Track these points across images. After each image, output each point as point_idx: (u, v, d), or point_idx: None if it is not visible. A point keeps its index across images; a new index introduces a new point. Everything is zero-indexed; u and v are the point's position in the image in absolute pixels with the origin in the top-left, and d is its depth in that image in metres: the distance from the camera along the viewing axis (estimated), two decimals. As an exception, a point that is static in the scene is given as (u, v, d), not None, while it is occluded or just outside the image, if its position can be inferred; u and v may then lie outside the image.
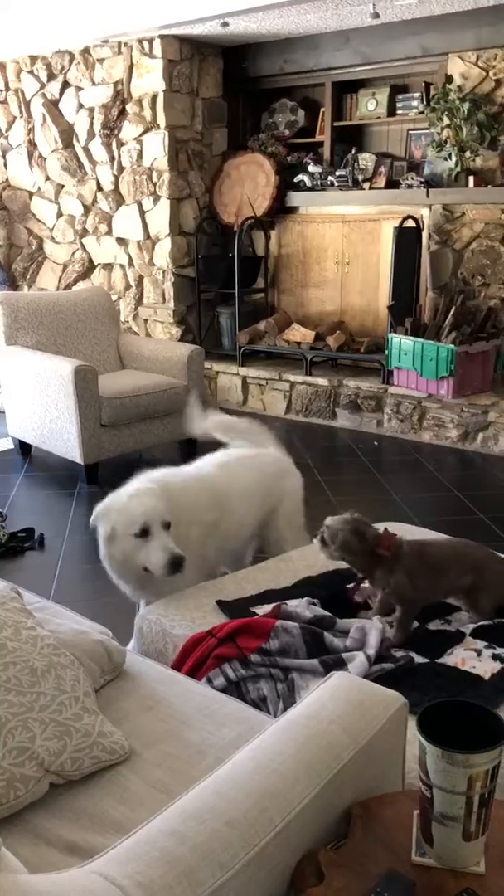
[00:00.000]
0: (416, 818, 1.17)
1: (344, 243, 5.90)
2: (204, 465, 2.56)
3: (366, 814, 1.21)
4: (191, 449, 4.66)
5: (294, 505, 2.73)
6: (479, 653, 1.84)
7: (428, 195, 5.23)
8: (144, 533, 2.12)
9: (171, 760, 1.46)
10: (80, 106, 6.21)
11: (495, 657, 1.81)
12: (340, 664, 1.70)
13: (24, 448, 4.87)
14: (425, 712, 1.13)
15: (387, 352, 5.29)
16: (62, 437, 4.37)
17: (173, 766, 1.44)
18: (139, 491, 2.21)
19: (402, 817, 1.22)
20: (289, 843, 1.10)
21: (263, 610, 1.99)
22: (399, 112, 5.61)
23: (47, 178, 6.60)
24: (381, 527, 2.05)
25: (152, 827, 1.05)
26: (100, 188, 6.30)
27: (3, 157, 6.84)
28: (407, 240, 5.32)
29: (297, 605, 1.93)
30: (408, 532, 2.37)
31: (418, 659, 1.82)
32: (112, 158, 6.15)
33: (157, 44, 5.63)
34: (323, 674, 1.64)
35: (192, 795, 1.11)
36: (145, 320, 6.36)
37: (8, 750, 1.32)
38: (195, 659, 1.81)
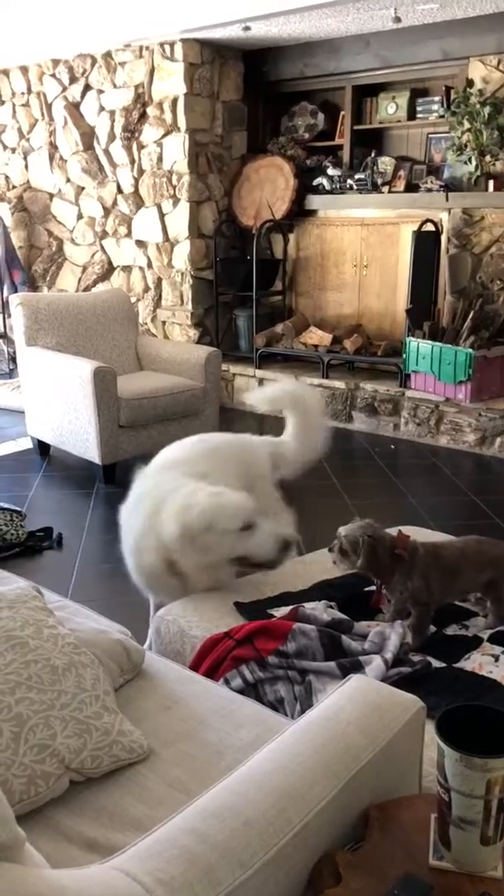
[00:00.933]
0: (434, 821, 1.18)
1: (362, 246, 5.90)
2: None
3: (383, 816, 1.22)
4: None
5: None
6: (496, 658, 1.84)
7: (447, 199, 5.22)
8: (248, 526, 2.11)
9: (189, 760, 1.47)
10: (102, 109, 6.25)
11: (512, 662, 1.81)
12: (358, 667, 1.70)
13: (42, 448, 4.90)
14: (444, 716, 1.14)
15: (404, 355, 5.29)
16: (81, 438, 4.40)
17: (192, 765, 1.46)
18: (215, 490, 2.19)
19: (419, 820, 1.23)
20: (307, 844, 1.11)
21: (281, 612, 2.00)
22: (419, 116, 5.61)
23: (68, 180, 6.64)
24: (394, 530, 2.06)
25: (173, 825, 1.06)
26: (120, 190, 6.34)
27: (25, 158, 6.90)
28: (426, 243, 5.31)
29: (315, 608, 1.94)
30: (422, 536, 2.38)
31: (435, 663, 1.83)
32: (132, 161, 6.19)
33: (178, 47, 5.66)
34: (340, 677, 1.65)
35: (211, 795, 1.12)
36: (163, 322, 6.39)
37: (29, 747, 1.34)
38: (213, 660, 1.82)
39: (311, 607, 1.93)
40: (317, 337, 5.85)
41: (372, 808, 1.23)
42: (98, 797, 1.38)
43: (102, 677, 1.54)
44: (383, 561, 1.94)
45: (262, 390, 3.15)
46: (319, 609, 1.93)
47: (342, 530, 1.98)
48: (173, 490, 2.20)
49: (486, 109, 4.93)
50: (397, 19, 4.74)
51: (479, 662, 1.83)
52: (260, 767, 1.17)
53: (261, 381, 6.02)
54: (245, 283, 6.02)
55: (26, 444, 5.05)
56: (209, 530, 2.08)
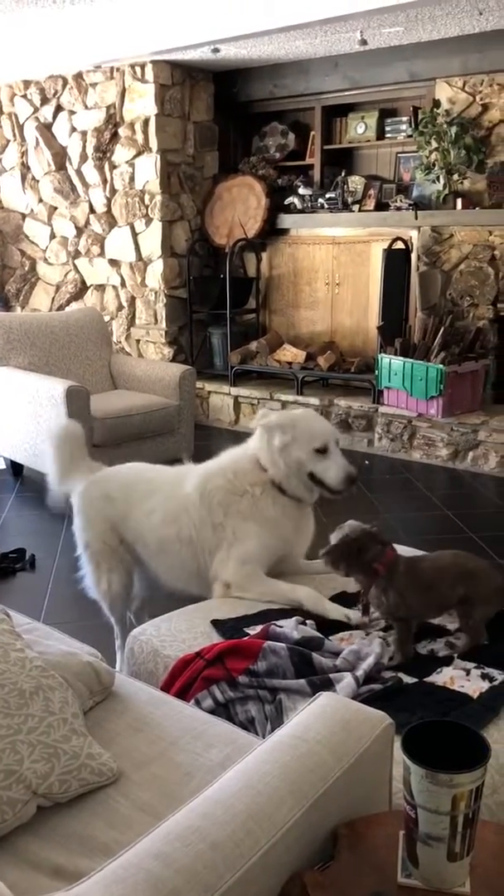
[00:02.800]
0: (402, 838, 1.18)
1: (334, 264, 5.95)
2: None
3: (352, 834, 1.22)
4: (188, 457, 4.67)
5: None
6: (467, 672, 1.85)
7: (416, 217, 5.29)
8: (324, 449, 2.24)
9: (159, 782, 1.46)
10: (73, 129, 6.28)
11: (484, 676, 1.82)
12: (328, 685, 1.70)
13: (15, 468, 4.87)
14: (409, 732, 1.14)
15: (377, 372, 5.33)
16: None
17: (161, 788, 1.45)
18: (313, 412, 2.37)
19: (388, 838, 1.22)
20: (274, 865, 1.10)
21: (257, 630, 1.99)
22: (388, 135, 5.69)
23: (40, 200, 6.65)
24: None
25: (138, 849, 1.05)
26: (92, 210, 6.36)
27: (-3, 179, 6.90)
28: (396, 261, 5.37)
29: (286, 626, 1.94)
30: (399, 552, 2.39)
31: (407, 679, 1.83)
32: (104, 181, 6.21)
33: (148, 69, 5.71)
34: (310, 694, 1.65)
35: (178, 817, 1.11)
36: (137, 341, 6.39)
37: (-5, 773, 1.33)
38: (184, 680, 1.81)
39: (281, 625, 1.93)
40: (291, 354, 5.88)
41: (341, 826, 1.23)
42: (66, 822, 1.37)
43: (71, 700, 1.53)
44: (361, 570, 1.95)
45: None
46: (290, 626, 1.93)
47: (344, 527, 2.00)
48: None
49: (453, 129, 5.01)
50: (363, 42, 4.81)
51: (450, 676, 1.83)
52: (227, 788, 1.16)
53: (236, 399, 6.04)
54: (219, 302, 6.05)
55: (-1, 464, 5.02)
56: (291, 428, 2.25)
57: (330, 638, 1.96)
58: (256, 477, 2.31)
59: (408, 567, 1.95)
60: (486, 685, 1.78)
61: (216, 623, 2.08)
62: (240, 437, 5.71)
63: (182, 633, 2.07)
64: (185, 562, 2.36)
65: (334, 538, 1.98)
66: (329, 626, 2.05)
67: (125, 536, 2.48)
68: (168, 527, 2.36)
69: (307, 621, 2.03)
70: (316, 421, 2.32)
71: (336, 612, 2.10)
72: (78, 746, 1.45)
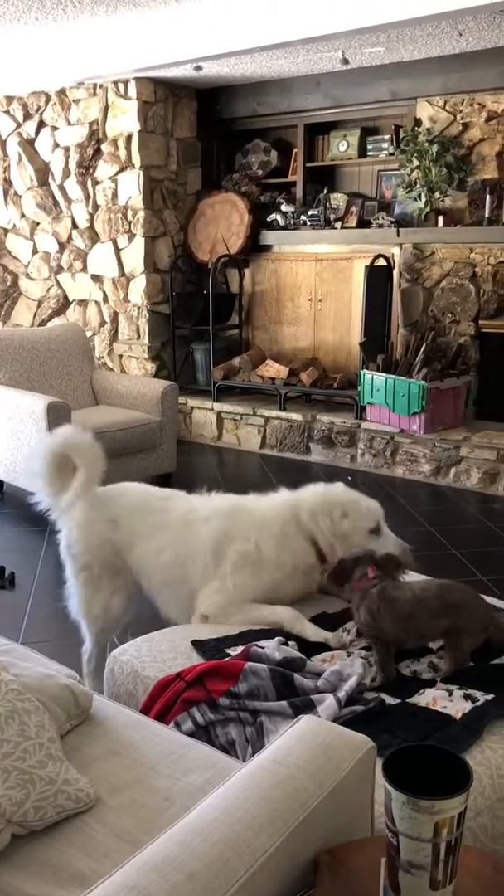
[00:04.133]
0: (384, 866, 1.15)
1: (317, 281, 5.97)
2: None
3: (333, 862, 1.20)
4: (165, 485, 4.64)
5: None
6: (450, 693, 1.83)
7: (398, 234, 5.32)
8: (377, 530, 2.28)
9: (137, 808, 1.43)
10: (56, 145, 6.28)
11: (467, 697, 1.80)
12: (310, 707, 1.68)
13: (-5, 485, 4.82)
14: (391, 757, 1.12)
15: (359, 388, 5.34)
16: (34, 474, 4.34)
17: (139, 814, 1.42)
18: (359, 493, 2.38)
19: (370, 865, 1.20)
20: (254, 895, 1.07)
21: (238, 650, 1.97)
22: (370, 153, 5.74)
23: (23, 216, 6.63)
24: None
25: (113, 881, 1.03)
26: (75, 226, 6.35)
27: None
28: (378, 278, 5.40)
29: (268, 647, 1.91)
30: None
31: (389, 700, 1.81)
32: (87, 197, 6.21)
33: (132, 86, 5.73)
34: (292, 716, 1.63)
35: (154, 847, 1.09)
36: (120, 356, 6.38)
37: (-32, 801, 1.29)
38: (163, 702, 1.79)
39: (263, 645, 1.91)
40: (273, 370, 5.88)
41: (322, 853, 1.20)
42: (41, 851, 1.34)
43: (48, 724, 1.50)
44: (346, 589, 2.03)
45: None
46: (272, 647, 1.91)
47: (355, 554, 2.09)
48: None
49: (434, 147, 5.06)
50: (345, 61, 4.85)
51: (433, 697, 1.82)
52: (205, 816, 1.14)
53: (219, 415, 6.02)
54: (201, 317, 6.05)
55: (-21, 480, 4.96)
56: (346, 516, 2.27)
57: (312, 658, 1.94)
58: (301, 558, 2.28)
59: (382, 594, 1.94)
60: (468, 706, 1.76)
61: (197, 644, 2.05)
62: (222, 452, 5.65)
63: (163, 653, 2.05)
64: (185, 601, 2.33)
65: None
66: (311, 647, 2.03)
67: (127, 563, 2.43)
68: (176, 569, 2.32)
69: (289, 642, 2.01)
70: (366, 500, 2.34)
71: (315, 633, 2.09)
72: (54, 772, 1.42)
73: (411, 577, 2.35)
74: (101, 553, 2.44)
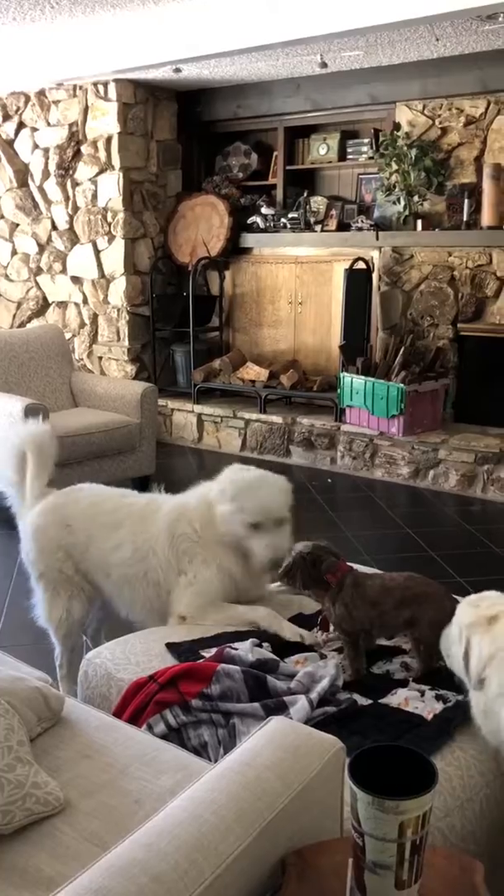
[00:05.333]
0: (350, 867, 1.16)
1: (297, 284, 5.99)
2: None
3: (301, 863, 1.20)
4: (144, 487, 4.63)
5: None
6: (422, 693, 1.84)
7: (378, 238, 5.35)
8: (258, 525, 2.20)
9: (107, 811, 1.43)
10: (36, 146, 6.25)
11: (438, 697, 1.81)
12: (282, 708, 1.68)
13: (-27, 487, 4.78)
14: (357, 758, 1.12)
15: (339, 390, 5.36)
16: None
17: (110, 817, 1.41)
18: (273, 481, 2.33)
19: (338, 865, 1.21)
20: (220, 897, 1.07)
21: (212, 652, 1.97)
22: (349, 157, 5.76)
23: (2, 217, 6.60)
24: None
25: (79, 884, 1.02)
26: (55, 227, 6.33)
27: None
28: (358, 281, 5.42)
29: (241, 648, 1.91)
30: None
31: (362, 700, 1.82)
32: (67, 198, 6.19)
33: (111, 87, 5.72)
34: (264, 717, 1.62)
35: (121, 849, 1.09)
36: (100, 358, 6.36)
37: None
38: (136, 705, 1.78)
39: (236, 647, 1.91)
40: (254, 372, 5.89)
41: (289, 854, 1.21)
42: (9, 855, 1.33)
43: (17, 727, 1.49)
44: (314, 583, 1.98)
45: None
46: (245, 649, 1.91)
47: (296, 546, 2.02)
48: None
49: (413, 152, 5.08)
50: (323, 64, 4.87)
51: (405, 697, 1.82)
52: (172, 817, 1.14)
53: (199, 417, 6.02)
54: (182, 319, 6.04)
55: (-43, 483, 4.92)
56: (237, 497, 2.22)
57: (285, 660, 1.95)
58: (217, 532, 2.26)
59: (356, 581, 1.96)
60: (440, 706, 1.77)
61: (171, 646, 2.05)
62: (202, 455, 5.63)
63: (137, 656, 2.04)
64: (149, 599, 2.31)
65: (287, 558, 2.00)
66: (285, 648, 2.03)
67: (82, 566, 2.41)
68: (136, 565, 2.30)
69: (263, 644, 2.01)
70: (264, 493, 2.27)
71: (291, 631, 2.09)
72: (23, 775, 1.41)
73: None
74: (55, 558, 2.41)
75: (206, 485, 2.40)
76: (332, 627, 2.04)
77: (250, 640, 2.00)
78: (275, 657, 1.91)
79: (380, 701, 1.81)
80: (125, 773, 1.52)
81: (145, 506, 2.38)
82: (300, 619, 2.20)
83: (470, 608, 1.65)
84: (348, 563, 2.04)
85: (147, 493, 2.51)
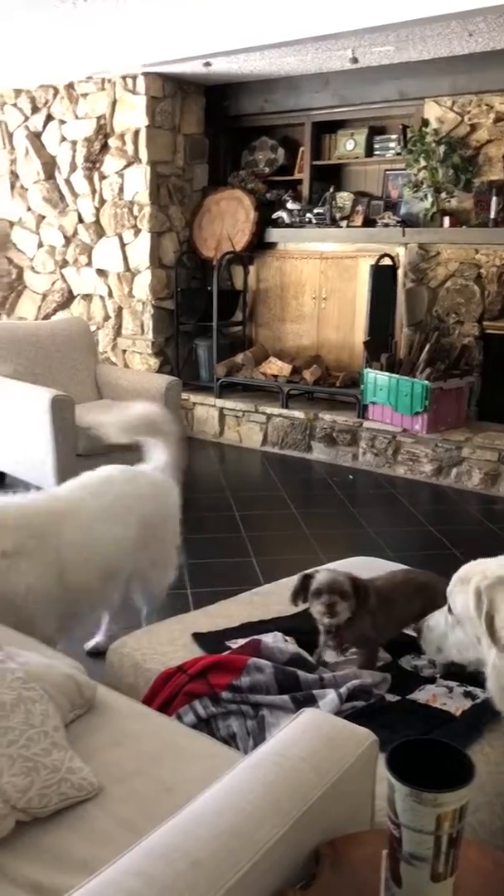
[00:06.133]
0: (385, 858, 1.17)
1: (321, 279, 5.98)
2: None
3: (334, 853, 1.21)
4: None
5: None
6: (450, 689, 1.84)
7: (404, 234, 5.33)
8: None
9: (139, 797, 1.44)
10: (63, 139, 6.28)
11: (467, 694, 1.82)
12: (311, 701, 1.69)
13: (-2, 477, 4.83)
14: (394, 750, 1.13)
15: (362, 386, 5.35)
16: (37, 466, 4.35)
17: (141, 803, 1.43)
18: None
19: (371, 857, 1.21)
20: (256, 884, 1.09)
21: (238, 643, 1.98)
22: (377, 153, 5.74)
23: (29, 209, 6.64)
24: (351, 560, 2.08)
25: (118, 866, 1.04)
26: (81, 220, 6.35)
27: (-15, 186, 6.88)
28: (383, 277, 5.41)
29: (276, 643, 1.91)
30: (379, 566, 2.39)
31: (390, 697, 1.82)
32: (94, 191, 6.21)
33: (140, 81, 5.73)
34: (293, 710, 1.64)
35: (159, 834, 1.10)
36: (124, 351, 6.38)
37: (-27, 787, 1.31)
38: (166, 695, 1.80)
39: (272, 642, 1.91)
40: (276, 367, 5.89)
41: (323, 845, 1.22)
42: (45, 838, 1.35)
43: (52, 713, 1.51)
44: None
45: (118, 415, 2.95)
46: (280, 643, 1.91)
47: (323, 580, 1.90)
48: None
49: (441, 148, 5.06)
50: (354, 60, 4.86)
51: (433, 693, 1.83)
52: (209, 805, 1.15)
53: (221, 411, 6.03)
54: (205, 314, 6.05)
55: (-18, 472, 4.97)
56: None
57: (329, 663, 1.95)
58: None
59: (372, 588, 1.97)
60: (468, 703, 1.77)
61: (197, 636, 2.06)
62: (223, 449, 5.67)
63: (163, 645, 2.06)
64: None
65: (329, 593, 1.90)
66: (310, 644, 2.02)
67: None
68: None
69: (287, 638, 1.99)
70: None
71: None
72: (58, 760, 1.43)
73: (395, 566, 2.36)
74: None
75: None
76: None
77: (275, 633, 2.00)
78: (312, 660, 1.91)
79: (408, 697, 1.82)
80: (156, 761, 1.53)
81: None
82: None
83: (477, 575, 1.61)
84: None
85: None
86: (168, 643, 2.07)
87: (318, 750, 1.27)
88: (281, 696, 1.72)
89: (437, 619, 1.68)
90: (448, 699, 1.80)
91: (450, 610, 1.67)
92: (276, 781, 1.20)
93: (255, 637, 1.93)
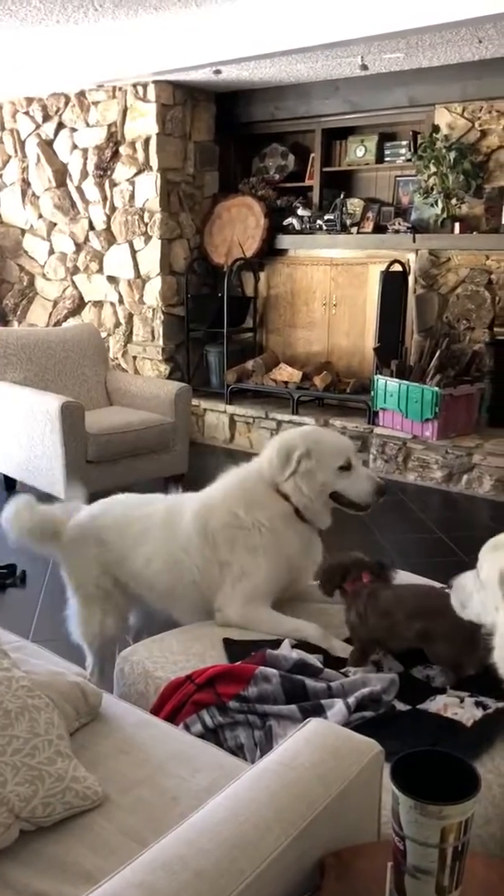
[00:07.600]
0: (390, 870, 1.16)
1: (331, 286, 5.98)
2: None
3: (339, 865, 1.20)
4: (177, 486, 4.65)
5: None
6: (461, 700, 1.82)
7: (414, 240, 5.32)
8: (348, 466, 2.19)
9: (144, 807, 1.44)
10: (74, 146, 6.32)
11: (478, 704, 1.80)
12: (319, 711, 1.68)
13: (8, 483, 4.85)
14: (399, 762, 1.12)
15: (372, 393, 5.34)
16: (47, 473, 4.36)
17: (147, 812, 1.42)
18: (323, 429, 2.33)
19: (376, 869, 1.20)
20: (259, 895, 1.08)
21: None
22: (387, 159, 5.74)
23: (40, 216, 6.67)
24: None
25: (122, 878, 1.03)
26: (92, 227, 6.38)
27: (-3, 194, 6.93)
28: (393, 283, 5.40)
29: (282, 650, 1.90)
30: (401, 578, 2.36)
31: (400, 706, 1.81)
32: (104, 198, 6.24)
33: (150, 88, 5.75)
34: (301, 720, 1.62)
35: (162, 845, 1.09)
36: (134, 357, 6.40)
37: (-22, 795, 1.30)
38: (173, 704, 1.79)
39: (277, 650, 1.90)
40: (287, 373, 5.89)
41: (328, 856, 1.21)
42: (49, 847, 1.34)
43: (57, 721, 1.51)
44: (336, 591, 2.06)
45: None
46: (286, 650, 1.90)
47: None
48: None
49: (452, 154, 5.05)
50: (364, 67, 4.86)
51: (444, 703, 1.81)
52: (213, 815, 1.15)
53: (231, 417, 6.03)
54: (216, 320, 6.06)
55: (-8, 479, 4.99)
56: (308, 456, 2.16)
57: (340, 671, 1.93)
58: (274, 509, 2.19)
59: (372, 591, 1.98)
60: (479, 713, 1.75)
61: (228, 643, 2.04)
62: (234, 455, 5.66)
63: (174, 654, 2.05)
64: (195, 603, 2.23)
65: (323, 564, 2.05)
66: (335, 664, 2.00)
67: (121, 579, 2.35)
68: (169, 573, 2.23)
69: (313, 655, 1.96)
70: (332, 437, 2.25)
71: (343, 649, 2.03)
72: (63, 769, 1.43)
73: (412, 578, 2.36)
74: (91, 575, 2.37)
75: (234, 472, 2.34)
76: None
77: (286, 640, 1.99)
78: (319, 665, 1.89)
79: (418, 707, 1.80)
80: (162, 770, 1.53)
81: (169, 507, 2.32)
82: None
83: None
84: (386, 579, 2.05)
85: (168, 494, 2.45)
86: (179, 652, 2.06)
87: (323, 760, 1.26)
88: (288, 706, 1.71)
89: (466, 579, 1.69)
90: (459, 709, 1.78)
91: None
92: (280, 792, 1.19)
93: (264, 648, 1.92)
